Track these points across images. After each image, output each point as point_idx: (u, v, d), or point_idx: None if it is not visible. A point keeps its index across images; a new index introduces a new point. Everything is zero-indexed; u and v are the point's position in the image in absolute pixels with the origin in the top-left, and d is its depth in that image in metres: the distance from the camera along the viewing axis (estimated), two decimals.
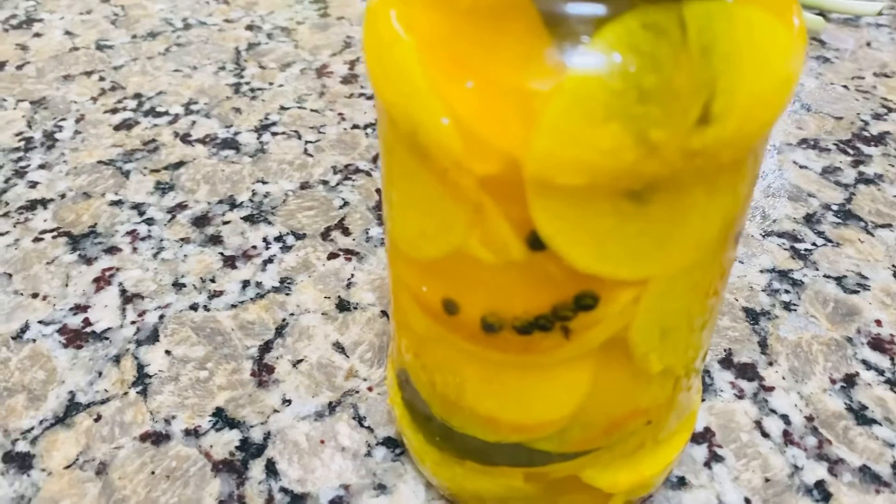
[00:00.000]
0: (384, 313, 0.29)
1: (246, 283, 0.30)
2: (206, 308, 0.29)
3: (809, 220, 0.33)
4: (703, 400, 0.26)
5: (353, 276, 0.30)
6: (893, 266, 0.31)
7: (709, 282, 0.17)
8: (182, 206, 0.34)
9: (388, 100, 0.16)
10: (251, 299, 0.29)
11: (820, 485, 0.23)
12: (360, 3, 0.52)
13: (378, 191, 0.34)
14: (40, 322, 0.28)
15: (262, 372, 0.26)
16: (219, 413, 0.25)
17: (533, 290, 0.16)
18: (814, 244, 0.32)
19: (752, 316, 0.29)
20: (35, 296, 0.29)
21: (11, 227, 0.33)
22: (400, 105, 0.15)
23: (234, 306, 0.29)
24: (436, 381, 0.20)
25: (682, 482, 0.23)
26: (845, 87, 0.43)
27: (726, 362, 0.27)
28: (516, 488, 0.20)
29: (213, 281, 0.30)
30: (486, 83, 0.14)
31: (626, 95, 0.13)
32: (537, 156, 0.14)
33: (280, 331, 0.28)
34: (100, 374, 0.26)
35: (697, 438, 0.24)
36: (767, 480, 0.23)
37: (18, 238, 0.32)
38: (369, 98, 0.42)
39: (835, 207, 0.34)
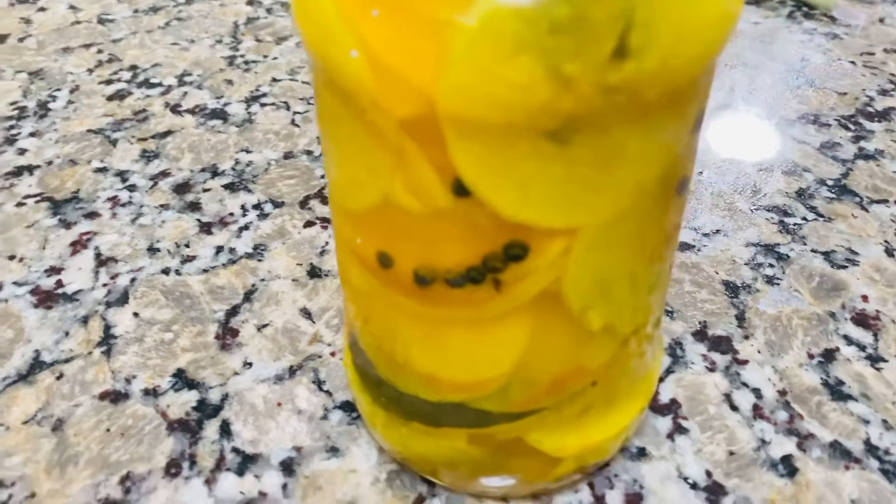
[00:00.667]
0: None
1: (220, 249, 0.30)
2: (177, 272, 0.29)
3: (802, 194, 0.32)
4: (671, 372, 0.25)
5: (327, 243, 0.30)
6: (886, 242, 0.30)
7: (648, 237, 0.17)
8: (165, 174, 0.34)
9: (307, 38, 0.15)
10: (223, 265, 0.29)
11: (786, 459, 0.22)
12: None
13: None
14: (14, 283, 0.28)
15: (227, 335, 0.26)
16: (179, 374, 0.25)
17: (462, 240, 0.16)
18: (804, 219, 0.31)
19: (732, 289, 0.28)
20: (12, 258, 0.30)
21: None
22: (317, 41, 0.15)
23: (205, 271, 0.29)
24: (379, 340, 0.19)
25: (641, 453, 0.22)
26: (853, 62, 0.41)
27: (700, 335, 0.26)
28: (462, 451, 0.20)
29: (187, 246, 0.30)
30: (396, 13, 0.13)
31: (536, 26, 0.13)
32: (449, 91, 0.13)
33: (248, 296, 0.28)
34: (67, 333, 0.26)
35: (662, 410, 0.24)
36: (732, 454, 0.22)
37: (2, 202, 0.32)
38: None
39: (830, 182, 0.33)
